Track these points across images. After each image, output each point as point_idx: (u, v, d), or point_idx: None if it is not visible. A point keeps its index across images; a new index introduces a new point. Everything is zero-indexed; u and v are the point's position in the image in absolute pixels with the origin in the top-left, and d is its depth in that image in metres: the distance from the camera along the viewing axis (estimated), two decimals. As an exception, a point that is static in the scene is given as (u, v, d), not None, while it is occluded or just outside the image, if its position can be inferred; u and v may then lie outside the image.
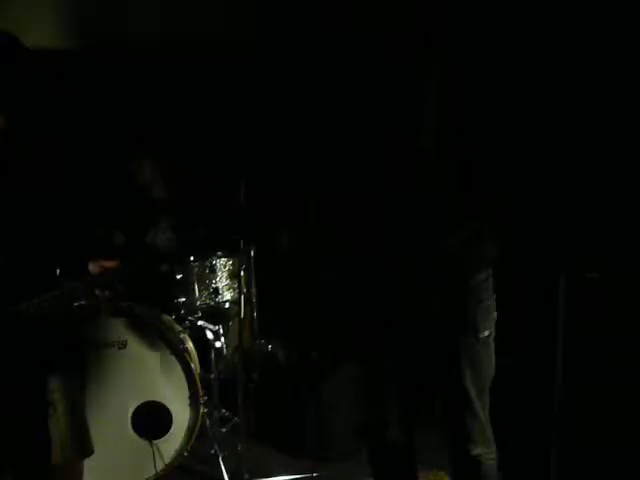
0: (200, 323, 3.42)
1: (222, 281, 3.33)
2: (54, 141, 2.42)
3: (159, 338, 3.10)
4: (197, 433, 3.22)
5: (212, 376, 3.48)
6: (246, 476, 3.23)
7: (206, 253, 3.46)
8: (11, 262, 2.24)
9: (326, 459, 3.46)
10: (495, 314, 2.22)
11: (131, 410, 3.08)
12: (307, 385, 3.57)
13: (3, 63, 2.15)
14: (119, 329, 3.04)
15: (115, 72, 4.00)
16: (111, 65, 4.00)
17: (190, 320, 3.45)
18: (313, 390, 3.54)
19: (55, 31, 3.89)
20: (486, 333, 2.18)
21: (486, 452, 2.25)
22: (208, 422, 3.43)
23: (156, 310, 3.32)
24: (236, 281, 3.29)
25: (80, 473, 2.54)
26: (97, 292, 2.30)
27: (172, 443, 3.12)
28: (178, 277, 3.37)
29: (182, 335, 3.31)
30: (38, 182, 2.31)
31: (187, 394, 3.12)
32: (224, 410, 3.60)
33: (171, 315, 3.41)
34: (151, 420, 3.08)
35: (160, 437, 3.09)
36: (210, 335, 3.44)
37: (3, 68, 2.15)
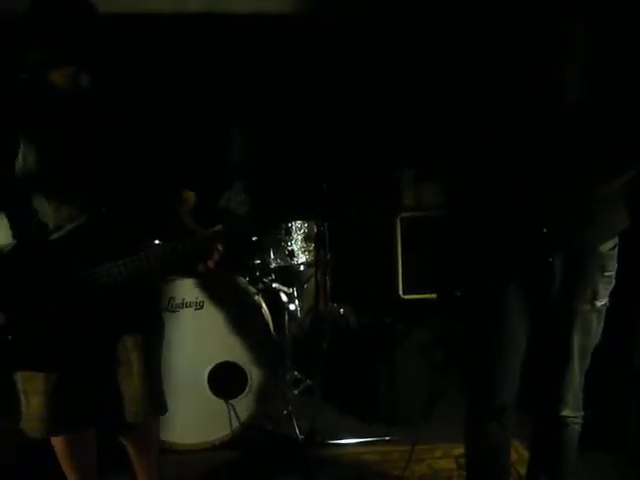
0: (275, 285, 3.43)
1: (297, 243, 3.32)
2: (143, 100, 2.43)
3: (235, 299, 3.13)
4: (271, 394, 3.26)
5: (285, 338, 3.50)
6: (319, 438, 3.26)
7: (279, 217, 3.46)
8: (114, 213, 2.28)
9: (396, 423, 3.46)
10: (613, 284, 2.19)
11: (208, 370, 3.13)
12: (379, 349, 3.56)
13: (81, 22, 2.18)
14: (196, 290, 3.08)
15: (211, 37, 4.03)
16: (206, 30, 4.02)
17: (264, 282, 3.46)
18: (385, 354, 3.53)
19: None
20: (603, 302, 2.16)
21: (573, 415, 2.25)
22: (281, 384, 3.46)
23: (231, 271, 3.35)
24: (311, 244, 3.29)
25: (156, 429, 2.61)
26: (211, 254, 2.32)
27: (247, 403, 3.16)
28: (253, 239, 3.38)
29: (256, 297, 3.34)
30: (126, 137, 2.33)
31: (262, 355, 3.15)
32: (296, 372, 3.63)
33: (245, 277, 3.44)
34: (227, 380, 3.13)
35: (235, 397, 3.14)
36: (284, 297, 3.46)
37: (81, 27, 2.18)
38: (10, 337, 2.20)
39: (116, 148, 2.30)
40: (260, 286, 3.49)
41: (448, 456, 3.18)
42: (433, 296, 4.08)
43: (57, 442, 2.47)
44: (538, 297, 2.17)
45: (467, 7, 2.26)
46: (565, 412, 2.23)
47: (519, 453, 3.04)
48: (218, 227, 2.32)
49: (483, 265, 2.22)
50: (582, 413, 2.27)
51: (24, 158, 2.19)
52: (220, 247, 2.31)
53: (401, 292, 4.11)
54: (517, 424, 2.36)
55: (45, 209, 2.24)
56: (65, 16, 2.15)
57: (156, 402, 2.41)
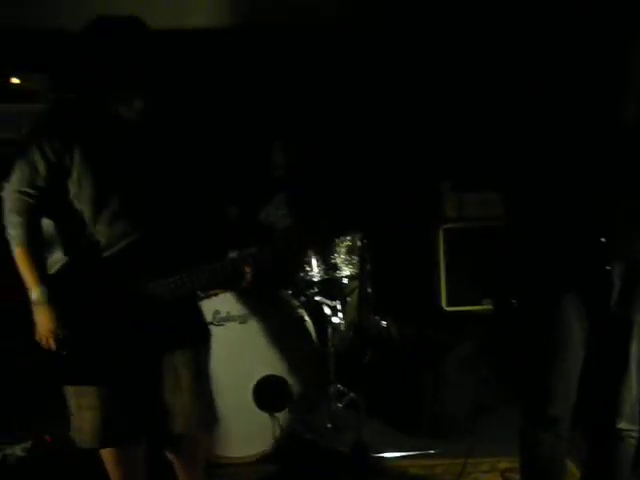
0: (318, 298, 3.43)
1: (340, 256, 3.32)
2: (191, 119, 2.47)
3: (279, 313, 3.14)
4: (315, 407, 3.25)
5: (328, 351, 3.49)
6: (363, 451, 3.23)
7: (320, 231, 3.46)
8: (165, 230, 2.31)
9: (441, 437, 3.43)
10: None
11: (252, 383, 3.14)
12: (422, 362, 3.54)
13: (136, 47, 2.22)
14: (241, 303, 3.09)
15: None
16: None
17: (307, 295, 3.46)
18: (429, 367, 3.50)
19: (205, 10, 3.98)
20: None
21: (629, 428, 2.20)
22: (325, 397, 3.45)
23: (275, 285, 3.35)
24: (354, 256, 3.28)
25: (204, 444, 2.63)
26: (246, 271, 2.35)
27: (291, 416, 3.16)
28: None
29: (300, 310, 3.34)
30: (174, 159, 2.36)
31: (306, 368, 3.15)
32: (340, 385, 3.61)
33: (288, 290, 3.45)
34: (271, 393, 3.13)
35: (280, 410, 3.14)
36: (327, 310, 3.45)
37: (136, 53, 2.21)
38: (65, 353, 2.24)
39: (167, 166, 2.34)
40: (302, 299, 3.50)
41: (494, 470, 3.14)
42: (477, 308, 4.05)
43: (106, 454, 2.50)
44: (596, 307, 2.14)
45: (532, 24, 2.25)
46: (621, 425, 2.19)
47: (571, 472, 2.98)
48: (252, 250, 2.34)
49: (542, 275, 2.20)
50: (638, 427, 2.22)
51: (78, 178, 2.24)
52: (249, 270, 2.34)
53: (444, 304, 4.09)
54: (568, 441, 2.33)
55: (97, 227, 2.28)
56: (121, 41, 2.19)
57: (207, 417, 2.44)
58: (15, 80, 3.83)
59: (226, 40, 4.14)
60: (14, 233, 2.26)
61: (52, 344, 2.23)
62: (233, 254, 2.36)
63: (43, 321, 2.23)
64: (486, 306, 4.04)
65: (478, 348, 3.59)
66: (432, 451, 3.29)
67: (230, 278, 2.35)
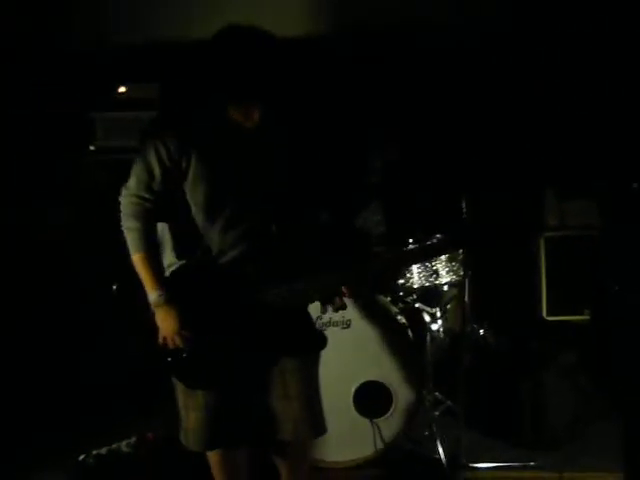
0: (418, 305, 3.41)
1: (442, 263, 3.29)
2: (305, 127, 2.50)
3: (381, 319, 3.14)
4: (414, 415, 3.24)
5: (426, 358, 3.47)
6: (462, 460, 3.21)
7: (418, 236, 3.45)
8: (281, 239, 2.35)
9: (541, 448, 3.35)
10: None
11: (353, 389, 3.15)
12: (521, 372, 3.48)
13: (258, 59, 2.22)
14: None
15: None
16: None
17: (406, 302, 3.45)
18: (528, 377, 3.44)
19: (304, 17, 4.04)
20: None
21: None
22: (423, 404, 3.43)
23: (376, 291, 3.37)
24: (456, 263, 3.25)
25: (310, 449, 2.65)
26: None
27: (391, 423, 3.16)
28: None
29: (399, 317, 3.34)
30: (289, 167, 2.40)
31: (407, 375, 3.14)
32: (437, 393, 3.59)
33: (387, 296, 3.45)
34: (372, 399, 3.14)
35: (380, 416, 3.15)
36: (427, 317, 3.43)
37: (257, 64, 2.22)
38: (184, 355, 2.30)
39: (282, 175, 2.38)
40: (400, 305, 3.49)
41: (600, 484, 3.06)
42: (578, 317, 3.96)
43: (212, 456, 2.56)
44: None
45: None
46: None
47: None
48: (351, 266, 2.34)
49: None
50: None
51: (193, 183, 2.29)
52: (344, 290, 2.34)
53: (545, 313, 4.01)
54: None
55: (210, 233, 2.32)
56: (245, 52, 2.21)
57: (315, 423, 2.46)
58: (123, 89, 3.98)
59: (322, 46, 4.18)
60: (132, 237, 2.32)
61: (178, 343, 2.29)
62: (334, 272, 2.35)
63: (165, 322, 2.29)
64: (587, 316, 3.95)
65: (579, 358, 3.51)
66: (532, 463, 3.22)
67: (328, 296, 2.36)
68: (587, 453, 3.19)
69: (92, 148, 3.96)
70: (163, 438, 3.40)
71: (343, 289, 2.31)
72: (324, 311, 2.36)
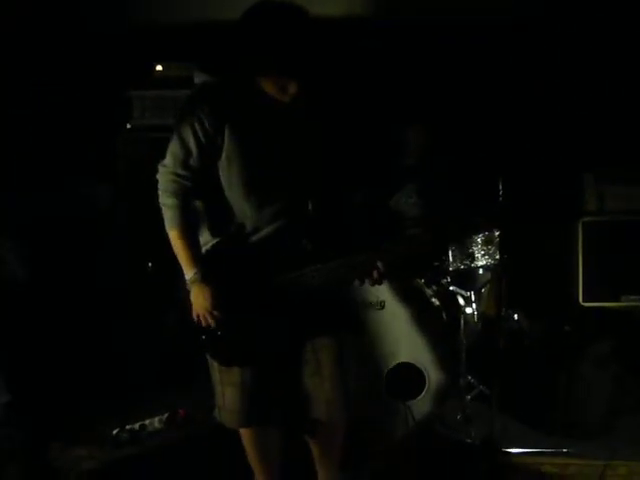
0: (452, 288, 3.39)
1: (477, 246, 3.25)
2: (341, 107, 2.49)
3: (415, 301, 3.13)
4: (446, 398, 3.23)
5: (460, 342, 3.45)
6: (494, 445, 3.18)
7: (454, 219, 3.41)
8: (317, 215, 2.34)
9: (575, 436, 3.31)
10: None
11: (386, 370, 3.14)
12: (556, 358, 3.44)
13: (294, 32, 2.20)
14: (378, 290, 3.08)
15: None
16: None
17: (441, 284, 3.43)
18: (563, 363, 3.40)
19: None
20: None
21: None
22: (456, 388, 3.41)
23: (410, 273, 3.34)
24: (492, 247, 3.21)
25: (343, 429, 2.65)
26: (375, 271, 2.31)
27: (423, 405, 3.15)
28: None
29: (433, 299, 3.32)
30: (324, 145, 2.39)
31: (440, 358, 3.13)
32: (470, 377, 3.56)
33: (421, 278, 3.42)
34: (404, 381, 3.13)
35: (412, 398, 3.14)
36: (461, 301, 3.41)
37: (294, 38, 2.20)
38: (219, 333, 2.31)
39: (318, 152, 2.36)
40: (434, 288, 3.47)
41: (633, 474, 3.01)
42: (615, 304, 3.90)
43: (245, 433, 2.58)
44: None
45: None
46: None
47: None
48: (386, 246, 2.31)
49: None
50: None
51: (228, 160, 2.28)
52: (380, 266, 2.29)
53: (581, 299, 3.95)
54: None
55: (245, 211, 2.32)
56: (279, 24, 2.18)
57: (347, 404, 2.44)
58: (160, 67, 3.98)
59: (361, 27, 4.15)
60: (169, 214, 2.33)
61: (210, 321, 2.30)
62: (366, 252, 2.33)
63: (199, 300, 2.30)
64: (625, 303, 3.89)
65: (615, 346, 3.45)
66: (565, 450, 3.19)
67: (361, 274, 2.33)
68: (624, 442, 3.14)
69: (129, 126, 3.98)
70: (195, 415, 3.45)
71: (379, 265, 2.29)
72: (361, 284, 2.33)
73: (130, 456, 3.12)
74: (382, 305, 3.09)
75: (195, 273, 2.30)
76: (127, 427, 3.33)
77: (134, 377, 3.75)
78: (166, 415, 3.46)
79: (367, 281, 2.30)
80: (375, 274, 2.27)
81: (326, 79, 2.40)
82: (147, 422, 3.40)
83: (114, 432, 3.29)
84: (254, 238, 2.32)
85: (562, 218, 3.94)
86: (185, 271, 2.32)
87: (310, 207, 2.35)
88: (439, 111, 4.02)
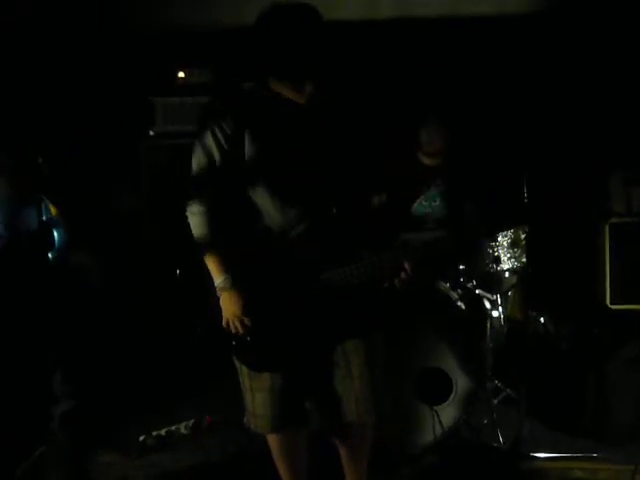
0: (478, 291, 3.36)
1: (503, 249, 3.23)
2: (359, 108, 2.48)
3: (441, 305, 3.11)
4: (474, 403, 3.20)
5: (486, 346, 3.42)
6: (523, 449, 3.16)
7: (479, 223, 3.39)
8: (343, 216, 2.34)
9: (604, 441, 3.27)
10: None
11: (414, 374, 3.12)
12: (584, 361, 3.40)
13: (310, 33, 2.22)
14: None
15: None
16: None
17: (467, 288, 3.40)
18: (591, 367, 3.36)
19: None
20: None
21: None
22: (483, 392, 3.39)
23: (435, 277, 3.33)
24: (518, 250, 3.19)
25: (372, 430, 2.64)
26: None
27: (451, 410, 3.12)
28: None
29: (459, 303, 3.30)
30: (345, 144, 2.37)
31: (467, 362, 3.10)
32: (497, 381, 3.54)
33: (446, 282, 3.40)
34: (432, 386, 3.11)
35: (440, 403, 3.12)
36: (487, 304, 3.38)
37: (310, 38, 2.22)
38: (249, 338, 2.30)
39: (339, 152, 2.35)
40: (460, 292, 3.44)
41: (663, 480, 2.98)
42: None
43: (274, 439, 2.57)
44: None
45: None
46: None
47: None
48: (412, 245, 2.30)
49: None
50: None
51: (250, 164, 2.28)
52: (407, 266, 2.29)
53: (608, 301, 3.91)
54: None
55: (270, 214, 2.32)
56: (292, 28, 2.20)
57: (376, 406, 2.43)
58: (182, 74, 4.00)
59: (381, 28, 4.14)
60: (196, 221, 2.33)
61: (239, 328, 2.30)
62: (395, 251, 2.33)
63: (229, 306, 2.30)
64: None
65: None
66: (595, 454, 3.16)
67: (389, 274, 2.33)
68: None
69: (152, 133, 4.00)
70: (220, 422, 3.46)
71: (406, 266, 2.28)
72: (389, 286, 2.32)
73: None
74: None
75: (224, 279, 2.30)
76: (154, 433, 3.35)
77: (163, 382, 3.77)
78: (192, 421, 3.48)
79: (395, 282, 2.29)
80: (403, 274, 2.27)
81: (342, 79, 2.39)
82: (173, 428, 3.42)
83: (140, 438, 3.31)
84: (281, 241, 2.32)
85: (589, 220, 3.91)
86: (214, 277, 2.32)
87: (334, 208, 2.34)
88: (464, 111, 3.98)
